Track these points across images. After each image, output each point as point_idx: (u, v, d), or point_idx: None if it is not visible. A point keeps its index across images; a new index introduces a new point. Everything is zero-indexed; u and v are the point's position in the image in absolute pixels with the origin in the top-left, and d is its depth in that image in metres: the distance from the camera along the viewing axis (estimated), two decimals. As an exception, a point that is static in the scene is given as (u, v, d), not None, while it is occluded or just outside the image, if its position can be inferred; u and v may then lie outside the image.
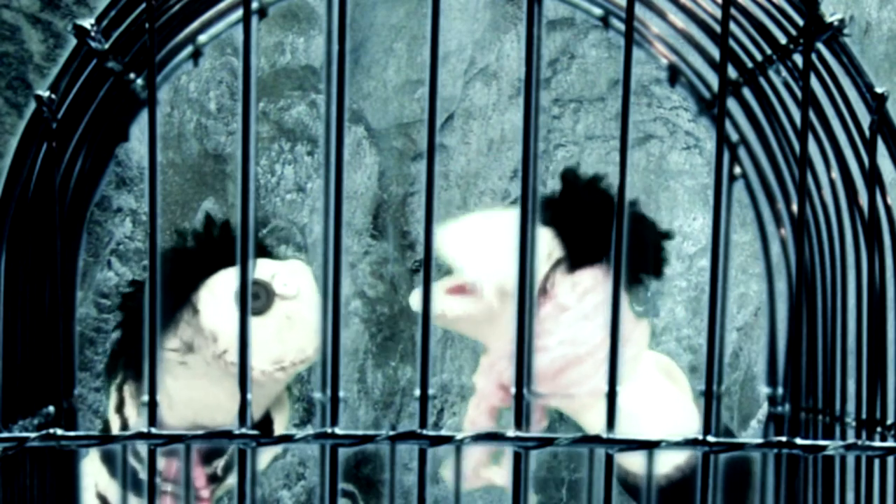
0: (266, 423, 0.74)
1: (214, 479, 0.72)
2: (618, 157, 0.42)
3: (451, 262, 0.70)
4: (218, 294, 0.69)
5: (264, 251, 0.74)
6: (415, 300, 0.71)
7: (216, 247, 0.70)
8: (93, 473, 0.71)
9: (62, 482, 0.51)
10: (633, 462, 0.67)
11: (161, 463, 0.68)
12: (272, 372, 0.69)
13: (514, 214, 0.67)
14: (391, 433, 0.42)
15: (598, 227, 0.69)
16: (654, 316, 1.38)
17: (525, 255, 0.41)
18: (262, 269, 0.70)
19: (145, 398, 0.43)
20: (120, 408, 0.71)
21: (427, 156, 0.41)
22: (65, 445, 0.43)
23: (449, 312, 0.70)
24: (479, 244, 0.69)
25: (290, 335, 0.69)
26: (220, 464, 0.72)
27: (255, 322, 0.69)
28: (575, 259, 0.69)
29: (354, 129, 1.29)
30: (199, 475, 0.72)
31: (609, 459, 0.42)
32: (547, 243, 0.69)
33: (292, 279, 0.70)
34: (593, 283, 0.68)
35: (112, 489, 0.70)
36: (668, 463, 0.69)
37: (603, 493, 0.43)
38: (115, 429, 0.71)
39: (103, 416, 0.77)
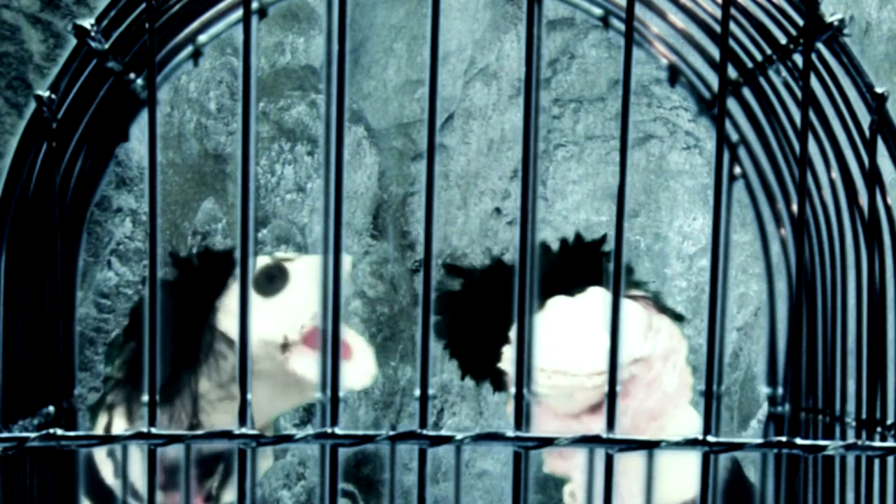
0: None
1: (209, 499, 0.72)
2: (618, 157, 0.42)
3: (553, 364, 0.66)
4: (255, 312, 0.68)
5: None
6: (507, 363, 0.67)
7: (205, 278, 0.69)
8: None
9: (62, 482, 0.51)
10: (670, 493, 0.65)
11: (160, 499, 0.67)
12: (311, 325, 0.69)
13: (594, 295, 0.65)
14: (391, 433, 0.42)
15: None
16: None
17: (526, 254, 0.41)
18: (260, 259, 0.70)
19: (145, 398, 0.43)
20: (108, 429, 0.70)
21: (427, 156, 0.41)
22: (65, 445, 0.43)
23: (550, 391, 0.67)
24: (580, 339, 0.66)
25: (309, 290, 0.68)
26: (213, 483, 0.72)
27: (282, 296, 0.69)
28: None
29: (354, 129, 1.29)
30: (198, 501, 0.71)
31: (609, 459, 0.42)
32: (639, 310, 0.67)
33: (280, 248, 0.71)
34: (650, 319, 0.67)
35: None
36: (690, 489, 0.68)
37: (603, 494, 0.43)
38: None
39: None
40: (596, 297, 0.66)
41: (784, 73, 0.51)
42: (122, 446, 0.43)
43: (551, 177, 1.38)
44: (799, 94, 0.49)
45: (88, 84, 0.49)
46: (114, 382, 0.70)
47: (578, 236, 0.70)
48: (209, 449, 0.69)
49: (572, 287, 0.66)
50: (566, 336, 0.65)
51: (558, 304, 0.66)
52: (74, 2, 1.10)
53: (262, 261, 0.70)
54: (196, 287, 0.69)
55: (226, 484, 0.71)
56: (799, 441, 0.43)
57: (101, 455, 0.70)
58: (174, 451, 0.65)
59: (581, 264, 0.68)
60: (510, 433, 0.42)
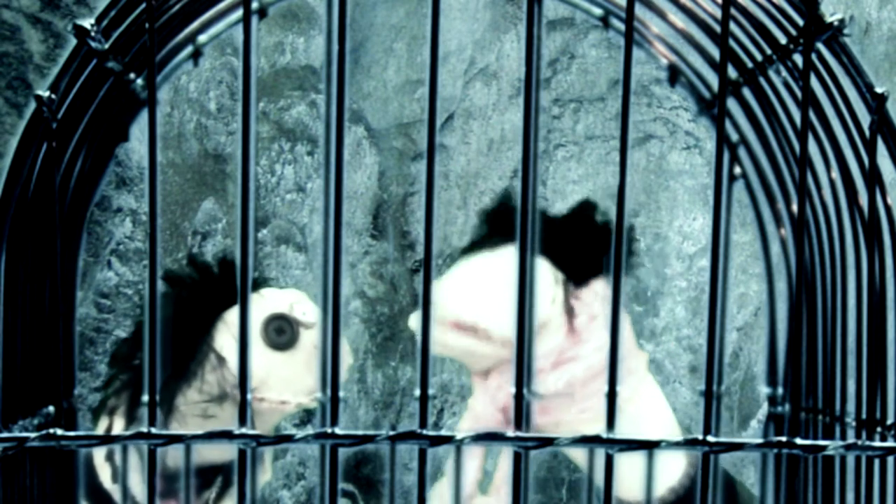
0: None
1: None
2: (618, 157, 0.42)
3: (458, 313, 0.67)
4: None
5: (254, 282, 0.71)
6: (414, 322, 0.69)
7: (214, 289, 0.68)
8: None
9: (62, 482, 0.51)
10: (626, 489, 0.66)
11: None
12: (307, 403, 0.68)
13: (509, 254, 0.66)
14: (391, 433, 0.42)
15: (587, 246, 0.68)
16: (654, 316, 1.38)
17: (525, 256, 0.41)
18: (277, 300, 0.69)
19: (145, 398, 0.43)
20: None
21: (427, 156, 0.41)
22: (65, 445, 0.43)
23: (453, 346, 0.68)
24: (487, 293, 0.67)
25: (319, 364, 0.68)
26: (211, 495, 0.71)
27: (285, 357, 0.68)
28: (577, 277, 0.68)
29: (354, 129, 1.29)
30: None
31: (609, 459, 0.42)
32: (547, 271, 0.68)
33: (307, 306, 0.69)
34: (606, 292, 0.68)
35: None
36: (662, 486, 0.68)
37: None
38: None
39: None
40: (508, 257, 0.66)
41: (784, 73, 0.51)
42: (121, 447, 0.43)
43: (551, 177, 1.38)
44: (799, 94, 0.49)
45: (88, 84, 0.49)
46: (116, 386, 0.70)
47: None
48: (209, 460, 0.69)
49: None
50: (476, 293, 0.66)
51: (471, 262, 0.67)
52: (74, 2, 1.10)
53: (275, 305, 0.69)
54: (210, 295, 0.68)
55: (224, 495, 0.71)
56: (799, 441, 0.43)
57: (99, 459, 0.70)
58: (172, 459, 0.64)
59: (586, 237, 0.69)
60: (510, 433, 0.42)
